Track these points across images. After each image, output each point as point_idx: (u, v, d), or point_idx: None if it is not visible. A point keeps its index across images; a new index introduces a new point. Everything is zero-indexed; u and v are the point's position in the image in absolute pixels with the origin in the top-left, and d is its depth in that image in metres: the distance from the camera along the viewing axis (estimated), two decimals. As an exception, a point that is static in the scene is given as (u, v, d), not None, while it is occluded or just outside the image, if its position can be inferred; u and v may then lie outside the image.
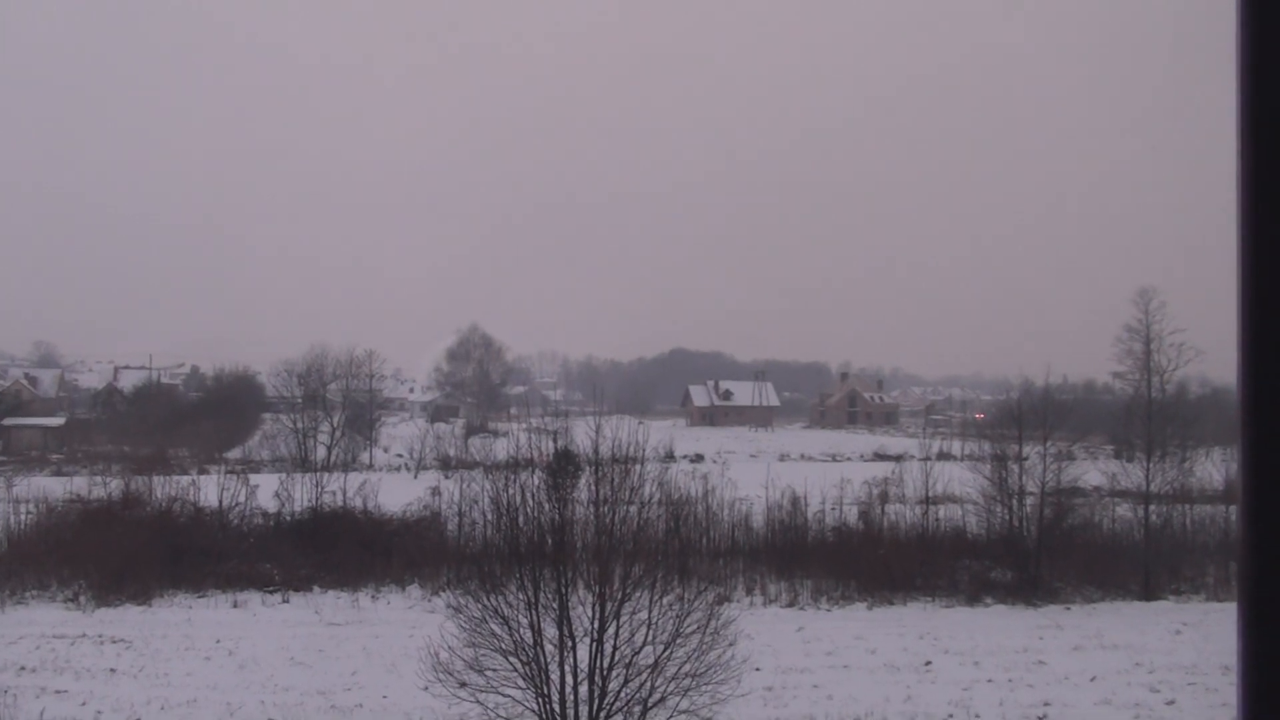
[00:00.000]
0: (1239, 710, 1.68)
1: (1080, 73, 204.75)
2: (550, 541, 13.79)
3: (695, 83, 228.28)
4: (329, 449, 60.74)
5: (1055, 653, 21.45)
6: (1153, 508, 29.79)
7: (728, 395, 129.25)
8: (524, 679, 12.85)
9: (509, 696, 12.81)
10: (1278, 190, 1.59)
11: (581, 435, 18.10)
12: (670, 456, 53.68)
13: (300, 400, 68.26)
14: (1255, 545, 1.61)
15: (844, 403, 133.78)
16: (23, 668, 19.95)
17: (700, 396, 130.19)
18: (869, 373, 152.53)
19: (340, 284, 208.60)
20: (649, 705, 12.69)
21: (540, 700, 12.86)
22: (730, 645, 13.33)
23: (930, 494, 33.87)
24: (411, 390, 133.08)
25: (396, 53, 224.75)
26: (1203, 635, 23.00)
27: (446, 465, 51.33)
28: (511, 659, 12.86)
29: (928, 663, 20.55)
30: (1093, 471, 32.80)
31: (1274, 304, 1.59)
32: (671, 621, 13.08)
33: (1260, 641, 1.63)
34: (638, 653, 12.87)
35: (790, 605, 26.47)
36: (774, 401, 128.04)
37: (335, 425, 64.60)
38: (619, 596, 13.16)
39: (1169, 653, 21.46)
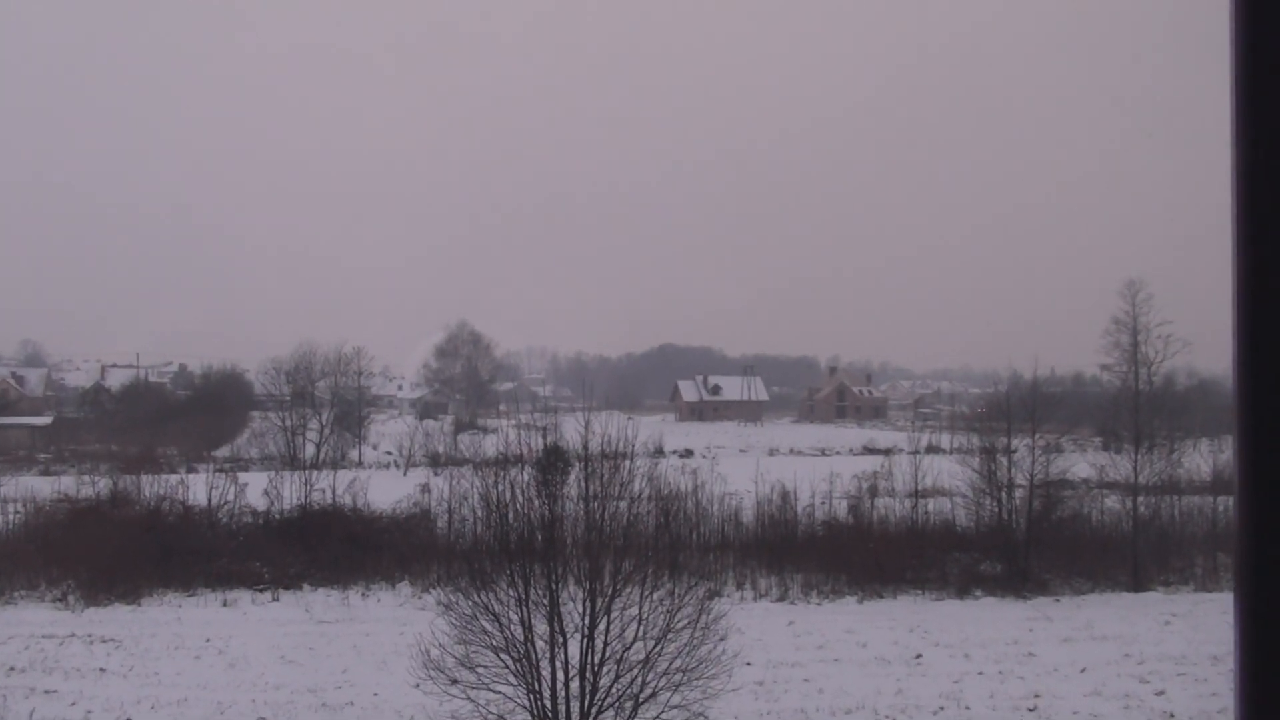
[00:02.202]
0: (1236, 702, 1.67)
1: (1066, 65, 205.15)
2: (540, 538, 13.77)
3: (683, 77, 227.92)
4: (318, 446, 60.63)
5: (1045, 644, 21.53)
6: (1141, 499, 29.92)
7: (717, 390, 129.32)
8: (515, 675, 12.84)
9: (500, 693, 12.80)
10: (1274, 181, 1.57)
11: (571, 431, 18.10)
12: (659, 452, 53.65)
13: (288, 398, 68.05)
14: (1252, 537, 1.60)
15: (833, 397, 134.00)
16: (12, 668, 19.85)
17: (689, 391, 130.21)
18: (858, 366, 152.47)
19: (328, 281, 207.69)
20: (640, 701, 12.69)
21: (531, 697, 12.86)
22: (721, 640, 13.34)
23: (919, 487, 33.92)
24: (400, 387, 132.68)
25: (383, 47, 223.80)
26: (1191, 626, 23.11)
27: (436, 462, 51.16)
28: (503, 656, 12.85)
29: (918, 656, 20.61)
30: (1081, 463, 32.92)
31: (1270, 296, 1.58)
32: (662, 617, 13.09)
33: (1257, 633, 1.62)
34: (629, 648, 12.87)
35: (781, 599, 26.52)
36: (763, 396, 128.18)
37: (324, 423, 64.47)
38: (610, 592, 13.15)
39: (1158, 643, 21.56)
